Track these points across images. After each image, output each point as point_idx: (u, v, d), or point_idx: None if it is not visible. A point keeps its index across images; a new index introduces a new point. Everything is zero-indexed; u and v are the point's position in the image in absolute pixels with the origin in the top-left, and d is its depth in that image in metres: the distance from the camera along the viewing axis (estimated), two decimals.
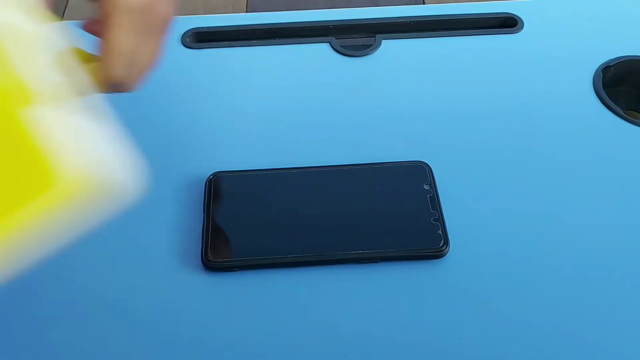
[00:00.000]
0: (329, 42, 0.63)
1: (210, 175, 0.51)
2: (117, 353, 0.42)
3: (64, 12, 1.79)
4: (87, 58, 0.36)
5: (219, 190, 0.50)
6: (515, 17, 0.65)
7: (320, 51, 0.63)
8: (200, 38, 0.65)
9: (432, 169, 0.51)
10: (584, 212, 0.49)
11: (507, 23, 0.65)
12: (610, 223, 0.49)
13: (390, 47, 0.63)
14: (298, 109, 0.57)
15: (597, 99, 0.58)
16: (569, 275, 0.46)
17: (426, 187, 0.50)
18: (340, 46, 0.63)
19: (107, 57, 0.35)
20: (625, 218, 0.49)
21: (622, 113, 0.56)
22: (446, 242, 0.47)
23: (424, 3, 1.76)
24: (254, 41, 0.64)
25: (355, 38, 0.65)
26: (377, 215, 0.49)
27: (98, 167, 0.31)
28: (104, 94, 0.35)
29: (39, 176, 0.29)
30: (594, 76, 0.60)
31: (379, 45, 0.63)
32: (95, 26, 0.36)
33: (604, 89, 0.58)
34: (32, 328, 0.44)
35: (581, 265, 0.46)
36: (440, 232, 0.47)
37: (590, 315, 0.44)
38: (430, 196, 0.49)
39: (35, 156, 0.29)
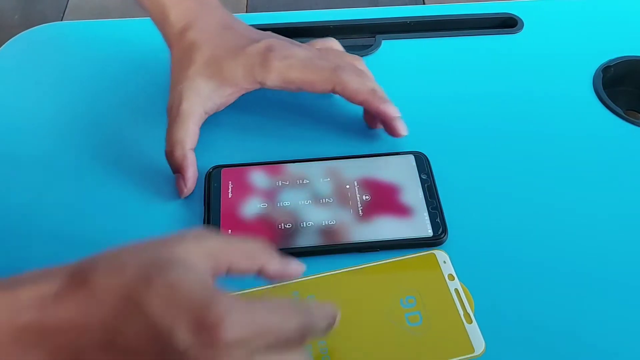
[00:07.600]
0: None
1: (209, 169, 0.51)
2: None
3: (64, 11, 1.79)
4: None
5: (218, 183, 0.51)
6: (516, 17, 0.65)
7: None
8: None
9: (430, 160, 0.51)
10: (583, 211, 0.49)
11: (507, 23, 0.66)
12: (610, 222, 0.49)
13: (390, 48, 0.63)
14: (298, 107, 0.57)
15: (597, 99, 0.58)
16: (567, 271, 0.46)
17: (424, 176, 0.50)
18: None
19: None
20: (624, 217, 0.49)
21: (622, 113, 0.57)
22: (444, 231, 0.47)
23: (424, 3, 1.76)
24: None
25: (355, 38, 0.65)
26: (377, 204, 0.49)
27: None
28: None
29: None
30: (594, 76, 0.60)
31: (379, 45, 0.63)
32: None
33: (604, 89, 0.58)
34: None
35: (580, 263, 0.46)
36: (438, 220, 0.47)
37: (586, 304, 0.44)
38: (427, 185, 0.50)
39: None
